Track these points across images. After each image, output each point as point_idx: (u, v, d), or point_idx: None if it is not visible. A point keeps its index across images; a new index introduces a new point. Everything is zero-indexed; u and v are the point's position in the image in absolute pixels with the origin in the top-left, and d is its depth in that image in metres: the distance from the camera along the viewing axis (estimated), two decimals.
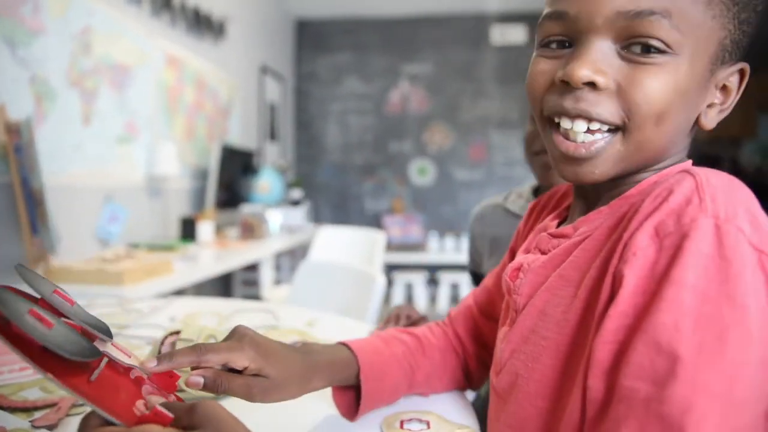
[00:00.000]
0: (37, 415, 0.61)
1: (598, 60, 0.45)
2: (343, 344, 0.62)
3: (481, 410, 0.67)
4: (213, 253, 2.37)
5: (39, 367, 0.38)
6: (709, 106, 0.49)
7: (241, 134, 3.80)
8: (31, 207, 1.59)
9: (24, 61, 1.77)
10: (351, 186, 5.04)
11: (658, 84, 0.44)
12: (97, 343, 0.47)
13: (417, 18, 4.86)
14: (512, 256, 0.72)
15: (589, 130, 0.46)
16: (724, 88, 0.49)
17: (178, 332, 0.68)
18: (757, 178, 4.72)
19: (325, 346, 0.60)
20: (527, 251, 0.58)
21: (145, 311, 1.15)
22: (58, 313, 0.45)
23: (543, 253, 0.54)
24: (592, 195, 0.53)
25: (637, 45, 0.44)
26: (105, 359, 0.45)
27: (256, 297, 3.30)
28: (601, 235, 0.48)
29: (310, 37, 5.03)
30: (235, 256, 2.32)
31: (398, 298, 4.21)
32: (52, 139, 1.90)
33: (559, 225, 0.58)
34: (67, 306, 0.47)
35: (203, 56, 3.15)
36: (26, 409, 0.62)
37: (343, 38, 4.98)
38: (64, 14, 1.95)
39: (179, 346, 0.66)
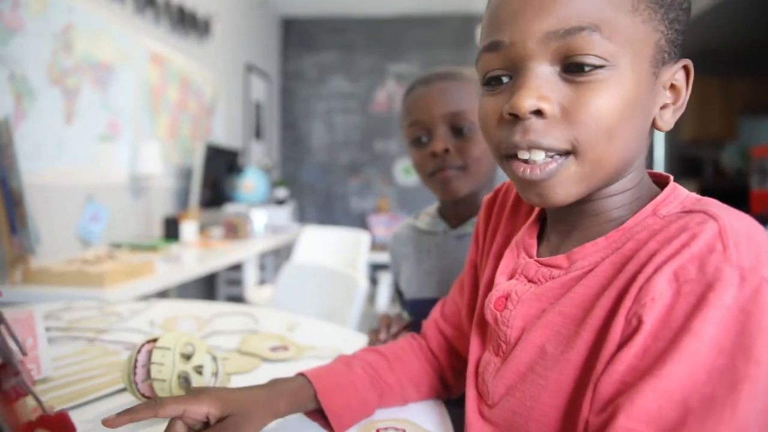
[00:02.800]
0: None
1: (541, 87, 0.44)
2: (299, 374, 0.63)
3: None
4: (196, 253, 2.35)
5: None
6: (663, 107, 0.48)
7: (226, 133, 3.78)
8: (10, 207, 1.57)
9: (2, 59, 1.74)
10: (336, 185, 5.04)
11: (603, 101, 0.43)
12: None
13: (403, 18, 4.86)
14: (473, 267, 0.70)
15: (546, 156, 0.46)
16: (673, 87, 0.48)
17: (155, 340, 0.68)
18: (736, 180, 4.80)
19: (286, 378, 0.62)
20: (511, 276, 0.55)
21: (125, 314, 1.15)
22: None
23: (531, 281, 0.52)
24: (569, 218, 0.52)
25: (575, 64, 0.44)
26: None
27: (239, 297, 3.29)
28: (604, 271, 0.47)
29: (296, 36, 5.02)
30: (219, 256, 2.31)
31: (383, 297, 4.21)
32: (32, 138, 1.88)
33: (539, 239, 0.57)
34: None
35: (188, 54, 3.13)
36: None
37: (329, 37, 4.97)
38: (44, 12, 1.92)
39: (156, 354, 0.66)
